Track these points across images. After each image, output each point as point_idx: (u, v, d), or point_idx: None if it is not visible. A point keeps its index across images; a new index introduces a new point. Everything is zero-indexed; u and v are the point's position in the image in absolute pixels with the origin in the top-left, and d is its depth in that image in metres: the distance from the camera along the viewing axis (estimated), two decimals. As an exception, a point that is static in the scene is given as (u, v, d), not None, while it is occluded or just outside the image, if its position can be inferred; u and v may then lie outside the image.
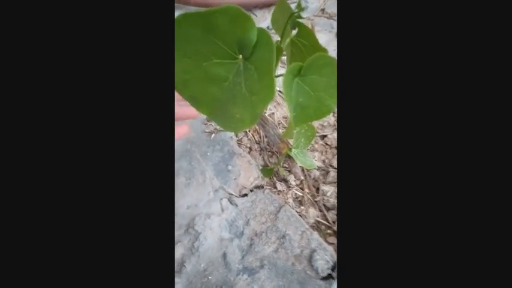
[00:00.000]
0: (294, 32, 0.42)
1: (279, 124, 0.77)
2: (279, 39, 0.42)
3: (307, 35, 0.41)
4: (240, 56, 0.35)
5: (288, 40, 0.42)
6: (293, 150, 0.60)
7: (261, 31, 0.33)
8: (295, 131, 0.60)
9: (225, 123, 0.37)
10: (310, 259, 0.55)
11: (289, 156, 0.63)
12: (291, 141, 0.62)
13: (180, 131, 0.43)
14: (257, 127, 0.74)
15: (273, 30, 0.49)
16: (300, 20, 0.41)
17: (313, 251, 0.56)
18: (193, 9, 0.98)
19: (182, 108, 0.41)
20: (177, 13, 0.30)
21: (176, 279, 0.53)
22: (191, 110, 0.39)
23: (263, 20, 1.03)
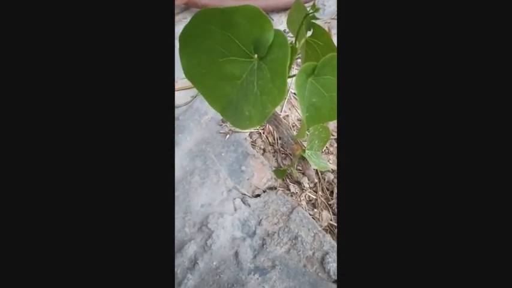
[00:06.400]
0: (309, 32, 0.43)
1: (293, 126, 0.78)
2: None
3: (321, 36, 0.41)
4: (256, 56, 0.36)
5: (303, 41, 0.43)
6: (307, 151, 0.60)
7: (278, 32, 0.33)
8: (309, 132, 0.60)
9: (235, 120, 0.38)
10: (322, 261, 0.55)
11: (303, 158, 0.63)
12: (305, 143, 0.62)
13: None
14: (271, 128, 0.74)
15: (289, 34, 0.50)
16: (316, 22, 0.41)
17: (326, 253, 0.55)
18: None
19: None
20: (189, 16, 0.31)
21: (188, 276, 0.54)
22: None
23: (279, 23, 1.04)
